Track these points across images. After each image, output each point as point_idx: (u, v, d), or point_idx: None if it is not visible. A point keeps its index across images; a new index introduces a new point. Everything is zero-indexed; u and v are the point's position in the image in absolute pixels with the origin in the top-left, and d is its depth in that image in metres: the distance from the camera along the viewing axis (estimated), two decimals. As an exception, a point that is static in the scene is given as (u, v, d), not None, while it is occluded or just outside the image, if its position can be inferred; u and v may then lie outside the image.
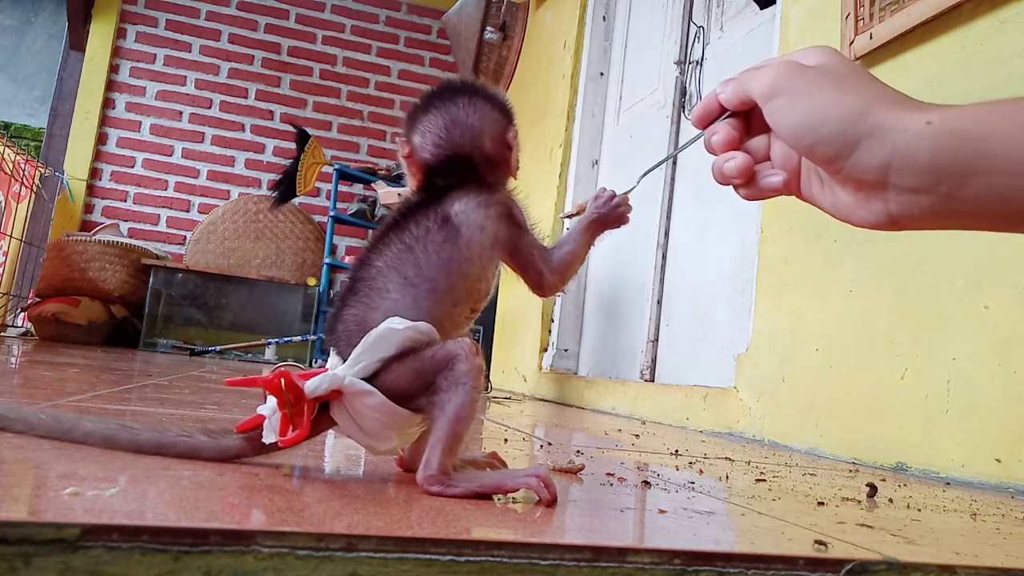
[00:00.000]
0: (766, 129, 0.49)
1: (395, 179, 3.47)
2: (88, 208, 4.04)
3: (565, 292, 0.69)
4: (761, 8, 1.81)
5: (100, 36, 4.12)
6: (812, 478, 0.94)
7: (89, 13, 4.17)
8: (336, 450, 0.75)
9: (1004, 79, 1.08)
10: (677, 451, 1.13)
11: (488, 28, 3.54)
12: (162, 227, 4.15)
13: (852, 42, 1.35)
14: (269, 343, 3.45)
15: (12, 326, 3.70)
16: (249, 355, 3.48)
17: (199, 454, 0.57)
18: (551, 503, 0.54)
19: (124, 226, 4.01)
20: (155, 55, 4.21)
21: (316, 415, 0.55)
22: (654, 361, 2.16)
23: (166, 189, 4.17)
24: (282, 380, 0.54)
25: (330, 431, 0.59)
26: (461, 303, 0.61)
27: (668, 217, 2.18)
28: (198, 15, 4.29)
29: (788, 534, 0.52)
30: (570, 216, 0.70)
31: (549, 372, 2.67)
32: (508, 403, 2.07)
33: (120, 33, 4.17)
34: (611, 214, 0.67)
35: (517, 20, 3.57)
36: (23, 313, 3.71)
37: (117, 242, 3.43)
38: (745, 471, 0.95)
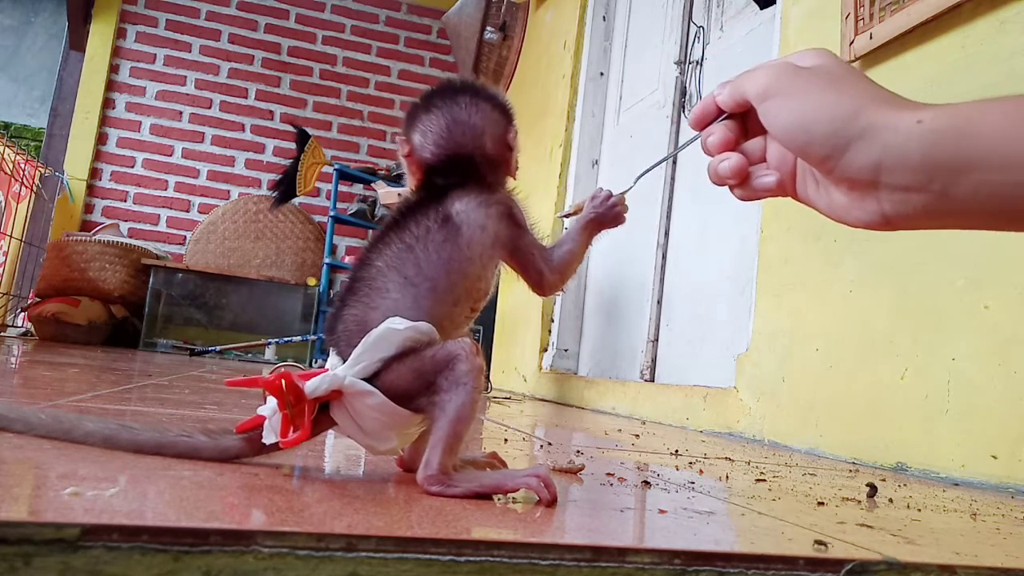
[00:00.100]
0: (762, 131, 0.49)
1: (395, 179, 3.47)
2: (88, 208, 4.04)
3: (564, 291, 0.69)
4: (761, 8, 1.81)
5: (100, 36, 4.12)
6: (812, 478, 0.94)
7: (89, 13, 4.17)
8: (336, 450, 0.75)
9: (1004, 78, 1.08)
10: (677, 451, 1.13)
11: (488, 28, 3.54)
12: (162, 227, 4.15)
13: (852, 42, 1.35)
14: (269, 343, 3.45)
15: (12, 326, 3.70)
16: (249, 355, 3.48)
17: (199, 454, 0.57)
18: (551, 503, 0.54)
19: (124, 226, 4.02)
20: (155, 55, 4.21)
21: (316, 415, 0.55)
22: (654, 361, 2.16)
23: (166, 189, 4.17)
24: (283, 381, 0.54)
25: (330, 431, 0.59)
26: (461, 302, 0.61)
27: (668, 217, 2.18)
28: (198, 15, 4.29)
29: (788, 534, 0.52)
30: (568, 215, 0.70)
31: (549, 372, 2.67)
32: (508, 403, 2.07)
33: (120, 33, 4.17)
34: (608, 214, 0.68)
35: (517, 20, 3.57)
36: (23, 313, 3.71)
37: (117, 242, 3.43)
38: (745, 471, 0.95)
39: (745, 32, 1.97)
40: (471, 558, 0.38)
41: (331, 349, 0.60)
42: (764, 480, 0.87)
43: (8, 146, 3.48)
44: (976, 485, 1.03)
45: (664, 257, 2.18)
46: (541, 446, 1.03)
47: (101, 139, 4.09)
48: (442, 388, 0.55)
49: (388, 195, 3.20)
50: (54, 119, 4.90)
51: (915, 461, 1.14)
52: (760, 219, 1.59)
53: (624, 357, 2.37)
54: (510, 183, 0.68)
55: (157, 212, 4.15)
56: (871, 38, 1.31)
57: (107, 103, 4.11)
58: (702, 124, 0.51)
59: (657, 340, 2.17)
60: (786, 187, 0.50)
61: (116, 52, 4.15)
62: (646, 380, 2.14)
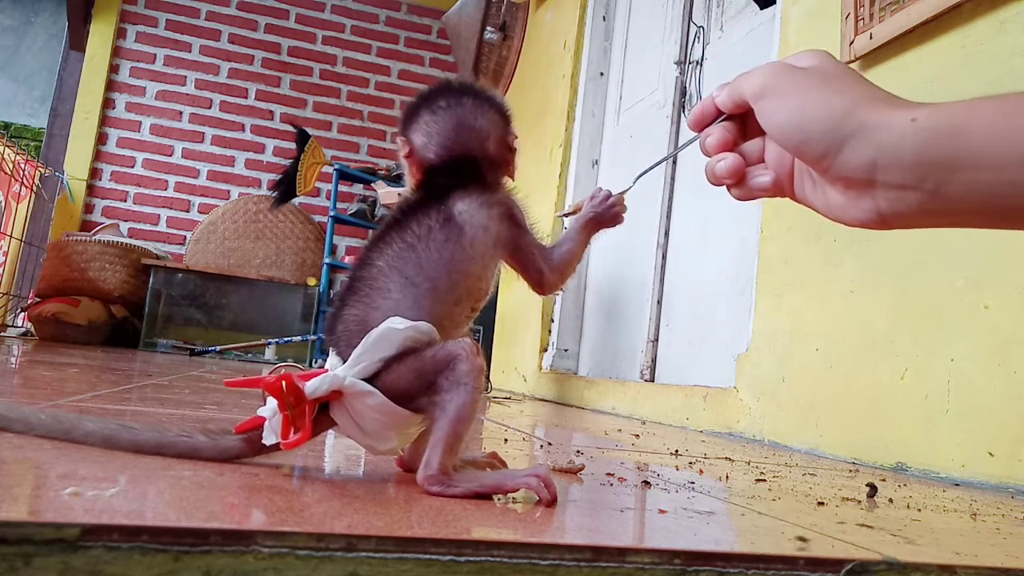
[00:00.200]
0: (761, 133, 0.50)
1: (395, 179, 3.47)
2: (88, 208, 4.04)
3: (564, 290, 0.70)
4: (761, 8, 1.81)
5: (100, 36, 4.12)
6: (812, 478, 0.94)
7: (89, 13, 4.17)
8: (336, 450, 0.75)
9: (1004, 78, 1.08)
10: (677, 451, 1.13)
11: (488, 28, 3.54)
12: (162, 227, 4.15)
13: (852, 42, 1.35)
14: (269, 343, 3.45)
15: (12, 326, 3.70)
16: (249, 355, 3.48)
17: (199, 454, 0.57)
18: (551, 503, 0.54)
19: (124, 226, 4.02)
20: (155, 55, 4.21)
21: (316, 415, 0.55)
22: (654, 361, 2.16)
23: (166, 189, 4.17)
24: (283, 382, 0.54)
25: (330, 431, 0.59)
26: (462, 302, 0.61)
27: (668, 217, 2.18)
28: (198, 15, 4.29)
29: (788, 534, 0.52)
30: (567, 215, 0.71)
31: (549, 372, 2.67)
32: (508, 403, 2.07)
33: (120, 33, 4.17)
34: (607, 213, 0.69)
35: (517, 20, 3.57)
36: (23, 313, 3.71)
37: (117, 242, 3.43)
38: (745, 471, 0.95)
39: (745, 32, 1.97)
40: (471, 558, 0.38)
41: (331, 349, 0.60)
42: (764, 480, 0.87)
43: (8, 146, 3.48)
44: (976, 485, 1.03)
45: (664, 257, 2.18)
46: (541, 446, 1.03)
47: (101, 139, 4.09)
48: (442, 388, 0.55)
49: (388, 195, 3.20)
50: (54, 119, 4.90)
51: (915, 461, 1.14)
52: (760, 219, 1.59)
53: (624, 357, 2.37)
54: (510, 183, 0.68)
55: (157, 212, 4.15)
56: (871, 38, 1.31)
57: (107, 103, 4.11)
58: (701, 125, 0.52)
59: (657, 340, 2.17)
60: (784, 187, 0.51)
61: (116, 52, 4.15)
62: (646, 380, 2.14)
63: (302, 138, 3.16)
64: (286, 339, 3.44)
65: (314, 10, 4.45)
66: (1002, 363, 1.03)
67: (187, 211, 4.19)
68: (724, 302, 1.89)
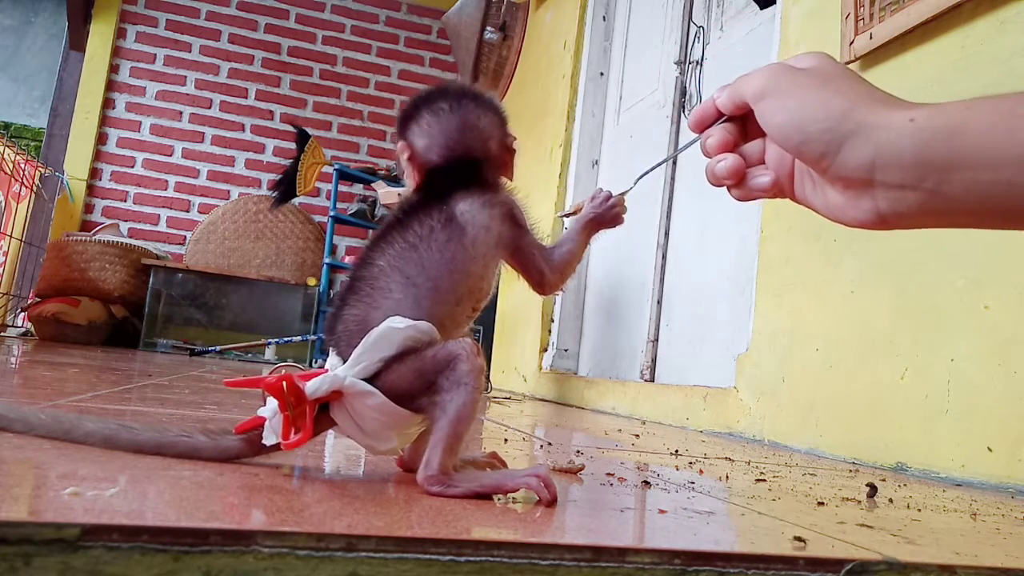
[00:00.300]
0: (761, 134, 0.50)
1: (395, 179, 3.47)
2: (88, 208, 4.04)
3: (564, 290, 0.70)
4: (761, 8, 1.81)
5: (100, 36, 4.12)
6: (812, 478, 0.94)
7: (89, 13, 4.17)
8: (336, 450, 0.75)
9: (1004, 79, 1.08)
10: (677, 451, 1.13)
11: (488, 28, 3.54)
12: (162, 227, 4.15)
13: (852, 42, 1.35)
14: (269, 343, 3.45)
15: (12, 326, 3.70)
16: (249, 355, 3.48)
17: (199, 454, 0.57)
18: (551, 503, 0.54)
19: (124, 226, 4.02)
20: (155, 55, 4.21)
21: (316, 415, 0.55)
22: (654, 361, 2.16)
23: (166, 189, 4.17)
24: (284, 383, 0.54)
25: (330, 431, 0.59)
26: (463, 302, 0.61)
27: (668, 217, 2.18)
28: (198, 15, 4.29)
29: (788, 534, 0.52)
30: (567, 215, 0.71)
31: (549, 372, 2.67)
32: (508, 403, 2.07)
33: (120, 33, 4.17)
34: (607, 214, 0.69)
35: (517, 20, 3.57)
36: (23, 313, 3.71)
37: (117, 242, 3.43)
38: (745, 471, 0.95)
39: (745, 32, 1.97)
40: (471, 558, 0.38)
41: (331, 349, 0.60)
42: (764, 480, 0.87)
43: (8, 146, 3.48)
44: (976, 485, 1.03)
45: (664, 257, 2.18)
46: (541, 446, 1.03)
47: (101, 139, 4.09)
48: (443, 388, 0.55)
49: (388, 195, 3.20)
50: (54, 119, 4.90)
51: (915, 461, 1.14)
52: (760, 219, 1.59)
53: (624, 357, 2.37)
54: (509, 184, 0.68)
55: (157, 212, 4.15)
56: (871, 38, 1.31)
57: (107, 103, 4.11)
58: (701, 126, 0.52)
59: (657, 340, 2.17)
60: (784, 188, 0.51)
61: (116, 52, 4.15)
62: (646, 380, 2.14)
63: (302, 138, 3.16)
64: (286, 339, 3.44)
65: (314, 10, 4.45)
66: (1002, 363, 1.03)
67: (187, 211, 4.19)
68: (724, 302, 1.89)
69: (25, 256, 3.80)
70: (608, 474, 0.76)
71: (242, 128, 4.29)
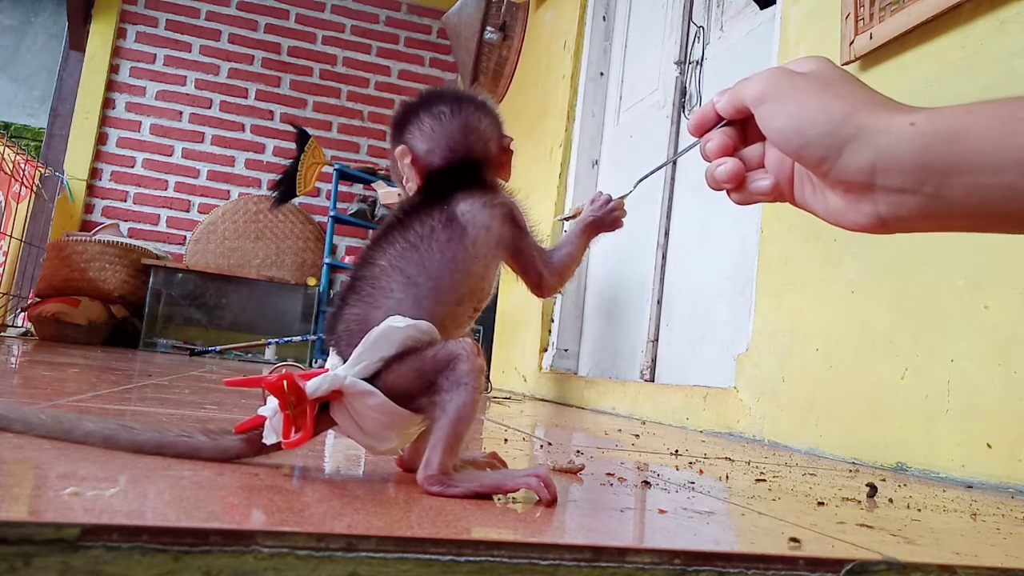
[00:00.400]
0: (761, 138, 0.50)
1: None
2: (88, 208, 4.04)
3: (563, 293, 0.71)
4: (761, 8, 1.81)
5: (100, 36, 4.12)
6: (812, 478, 0.94)
7: (89, 13, 4.17)
8: (336, 450, 0.75)
9: (1004, 79, 1.08)
10: (677, 451, 1.13)
11: (488, 28, 3.53)
12: (162, 227, 4.15)
13: (852, 42, 1.35)
14: (269, 343, 3.45)
15: (12, 326, 3.70)
16: (249, 355, 3.48)
17: (199, 454, 0.57)
18: (551, 503, 0.54)
19: (124, 226, 4.02)
20: (155, 55, 4.21)
21: (316, 415, 0.55)
22: (654, 361, 2.16)
23: (166, 189, 4.17)
24: (284, 382, 0.54)
25: (330, 431, 0.59)
26: (464, 302, 0.62)
27: (668, 217, 2.18)
28: (198, 15, 4.29)
29: (788, 534, 0.52)
30: (567, 218, 0.71)
31: (549, 372, 2.67)
32: (508, 403, 2.07)
33: (120, 33, 4.17)
34: (606, 217, 0.69)
35: (517, 20, 3.57)
36: (23, 313, 3.71)
37: (117, 242, 3.43)
38: (745, 471, 0.95)
39: (745, 32, 1.97)
40: (471, 558, 0.38)
41: (331, 348, 0.60)
42: (764, 480, 0.87)
43: (8, 146, 3.48)
44: (976, 485, 1.03)
45: (664, 257, 2.18)
46: (541, 446, 1.03)
47: (101, 139, 4.09)
48: (443, 388, 0.55)
49: (388, 195, 3.20)
50: (54, 119, 4.90)
51: (915, 461, 1.14)
52: (760, 219, 1.59)
53: (624, 357, 2.37)
54: (508, 185, 0.69)
55: (157, 212, 4.15)
56: (871, 38, 1.31)
57: (107, 103, 4.11)
58: (701, 130, 0.52)
59: (657, 340, 2.17)
60: (783, 192, 0.51)
61: (116, 52, 4.15)
62: (646, 380, 2.14)
63: (302, 138, 3.16)
64: (286, 339, 3.44)
65: (314, 10, 4.45)
66: (1002, 363, 1.03)
67: (187, 211, 4.19)
68: (724, 302, 1.89)
69: (25, 256, 3.80)
70: (608, 474, 0.76)
71: (242, 128, 4.29)
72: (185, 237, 4.13)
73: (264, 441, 0.56)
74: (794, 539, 0.49)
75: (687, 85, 2.20)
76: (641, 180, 0.65)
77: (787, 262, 1.49)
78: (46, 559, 0.33)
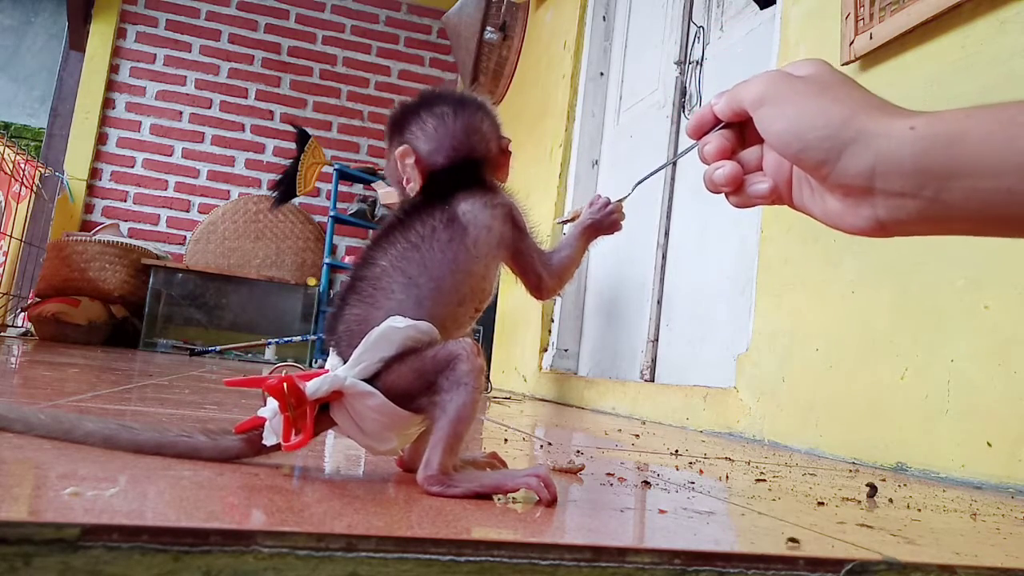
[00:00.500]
0: (759, 141, 0.50)
1: (395, 179, 3.46)
2: (88, 208, 4.04)
3: (562, 295, 0.71)
4: (761, 8, 1.81)
5: (100, 36, 4.12)
6: (812, 478, 0.94)
7: (89, 13, 4.17)
8: (336, 450, 0.75)
9: (1004, 79, 1.08)
10: (677, 451, 1.13)
11: (488, 28, 3.53)
12: (162, 227, 4.15)
13: (852, 42, 1.35)
14: (269, 343, 3.45)
15: (12, 326, 3.70)
16: (249, 355, 3.48)
17: (199, 454, 0.57)
18: (551, 503, 0.54)
19: (124, 226, 4.02)
20: (155, 55, 4.21)
21: (316, 415, 0.55)
22: (654, 361, 2.16)
23: (166, 189, 4.17)
24: (284, 384, 0.54)
25: (330, 431, 0.59)
26: (466, 302, 0.62)
27: (668, 217, 2.18)
28: (198, 15, 4.29)
29: (788, 534, 0.52)
30: (566, 221, 0.71)
31: (549, 372, 2.67)
32: (508, 403, 2.07)
33: (120, 33, 4.17)
34: (605, 220, 0.70)
35: (517, 20, 3.57)
36: (23, 313, 3.71)
37: (117, 242, 3.43)
38: (745, 471, 0.95)
39: (745, 32, 1.97)
40: (471, 558, 0.38)
41: (331, 349, 0.60)
42: (764, 480, 0.87)
43: (8, 146, 3.48)
44: (976, 485, 1.03)
45: (664, 257, 2.18)
46: (541, 446, 1.03)
47: (101, 139, 4.09)
48: (443, 388, 0.55)
49: (388, 195, 3.20)
50: (54, 119, 4.90)
51: (915, 461, 1.14)
52: (760, 220, 1.59)
53: (624, 357, 2.37)
54: (507, 185, 0.69)
55: (157, 212, 4.15)
56: (871, 38, 1.31)
57: (107, 103, 4.11)
58: (699, 133, 0.52)
59: (657, 340, 2.17)
60: (782, 195, 0.51)
61: (116, 52, 4.15)
62: (646, 380, 2.14)
63: (302, 138, 3.16)
64: (286, 339, 3.44)
65: (314, 10, 4.45)
66: (1002, 363, 1.03)
67: (187, 211, 4.19)
68: (724, 302, 1.89)
69: (25, 256, 3.80)
70: (608, 474, 0.76)
71: (242, 128, 4.29)
72: (185, 237, 4.13)
73: (264, 442, 0.56)
74: (793, 539, 0.49)
75: (687, 85, 2.20)
76: (639, 183, 0.65)
77: (787, 262, 1.49)
78: (46, 559, 0.33)
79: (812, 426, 1.35)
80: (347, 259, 3.77)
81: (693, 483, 0.77)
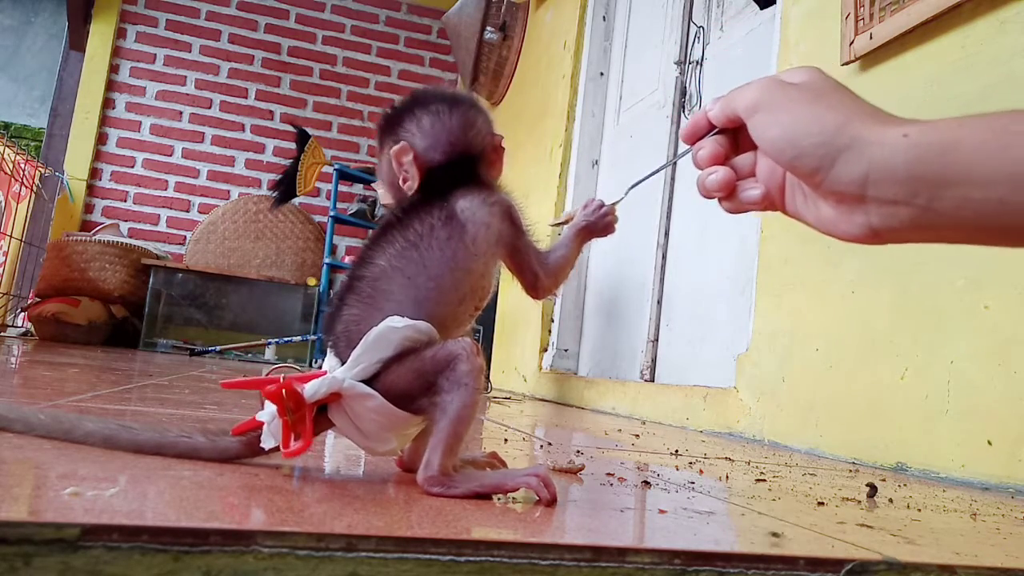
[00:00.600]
0: (753, 147, 0.50)
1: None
2: (88, 208, 4.04)
3: (555, 296, 0.71)
4: (761, 8, 1.81)
5: (100, 36, 4.12)
6: (812, 478, 0.94)
7: (89, 13, 4.17)
8: (336, 450, 0.75)
9: (1004, 79, 1.08)
10: (677, 451, 1.13)
11: (488, 28, 3.53)
12: (162, 227, 4.15)
13: (852, 42, 1.35)
14: (269, 343, 3.45)
15: (12, 326, 3.70)
16: (249, 355, 3.48)
17: (199, 455, 0.57)
18: (551, 503, 0.54)
19: (124, 226, 4.02)
20: (155, 55, 4.21)
21: (314, 416, 0.55)
22: (654, 361, 2.16)
23: (166, 189, 4.17)
24: (283, 390, 0.53)
25: (329, 431, 0.59)
26: (466, 301, 0.61)
27: (668, 217, 2.18)
28: (198, 15, 4.29)
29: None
30: (559, 224, 0.71)
31: (549, 372, 2.67)
32: (508, 403, 2.07)
33: (120, 33, 4.17)
34: (599, 223, 0.70)
35: (517, 20, 3.57)
36: (23, 313, 3.71)
37: (117, 242, 3.43)
38: (745, 471, 0.95)
39: (745, 32, 1.97)
40: (471, 558, 0.38)
41: (329, 350, 0.60)
42: (764, 480, 0.87)
43: (8, 146, 3.48)
44: (976, 485, 1.03)
45: (664, 257, 2.18)
46: (541, 446, 1.03)
47: (101, 139, 4.09)
48: (443, 389, 0.55)
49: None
50: (54, 119, 4.90)
51: (915, 461, 1.14)
52: (760, 220, 1.59)
53: (624, 357, 2.37)
54: (503, 183, 0.69)
55: (157, 212, 4.15)
56: (871, 38, 1.31)
57: (107, 103, 4.11)
58: (694, 138, 0.53)
59: (657, 340, 2.17)
60: (774, 201, 0.51)
61: (116, 52, 4.15)
62: (646, 380, 2.14)
63: (302, 138, 3.16)
64: (286, 339, 3.44)
65: (314, 10, 4.45)
66: (1002, 363, 1.03)
67: (187, 211, 4.19)
68: (724, 302, 1.89)
69: (25, 256, 3.80)
70: (608, 474, 0.76)
71: (242, 128, 4.29)
72: (185, 237, 4.13)
73: (262, 445, 0.56)
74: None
75: (687, 85, 2.20)
76: (632, 187, 0.66)
77: (787, 262, 1.49)
78: (46, 559, 0.33)
79: (812, 426, 1.36)
80: (347, 259, 3.77)
81: (693, 483, 0.77)
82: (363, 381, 0.55)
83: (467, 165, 0.65)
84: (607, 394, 2.16)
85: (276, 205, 3.46)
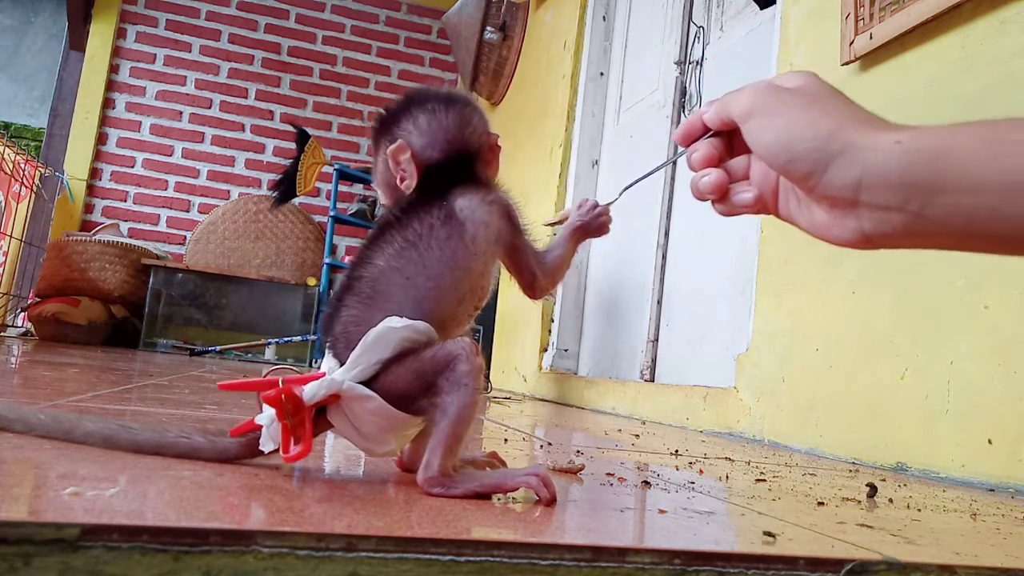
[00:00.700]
0: (747, 150, 0.51)
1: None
2: (88, 208, 4.04)
3: (552, 296, 0.71)
4: (761, 8, 1.81)
5: (100, 36, 4.12)
6: (812, 478, 0.94)
7: (89, 13, 4.17)
8: (336, 450, 0.75)
9: (1004, 79, 1.08)
10: (677, 451, 1.13)
11: (488, 28, 3.53)
12: (162, 227, 4.15)
13: (852, 42, 1.35)
14: (269, 343, 3.45)
15: (12, 326, 3.70)
16: (249, 355, 3.48)
17: (198, 455, 0.57)
18: (550, 502, 0.54)
19: (124, 226, 4.02)
20: (155, 55, 4.21)
21: (313, 417, 0.55)
22: (654, 361, 2.16)
23: (166, 189, 4.17)
24: (282, 395, 0.53)
25: (329, 431, 0.59)
26: (465, 300, 0.61)
27: (668, 217, 2.18)
28: (198, 15, 4.29)
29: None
30: (554, 223, 0.72)
31: (549, 372, 2.67)
32: (508, 403, 2.07)
33: (120, 33, 4.17)
34: (593, 223, 0.70)
35: (517, 20, 3.57)
36: (23, 313, 3.71)
37: (117, 242, 3.43)
38: (745, 471, 0.95)
39: (745, 32, 1.97)
40: (471, 558, 0.38)
41: (328, 350, 0.60)
42: (764, 480, 0.87)
43: (8, 146, 3.48)
44: (976, 485, 1.03)
45: (664, 257, 2.18)
46: (541, 446, 1.03)
47: (101, 139, 4.09)
48: (442, 389, 0.55)
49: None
50: (54, 119, 4.90)
51: (915, 461, 1.14)
52: (760, 220, 1.59)
53: (624, 357, 2.37)
54: (500, 182, 0.69)
55: (157, 212, 4.15)
56: (871, 38, 1.31)
57: (107, 103, 4.11)
58: (688, 141, 0.53)
59: (657, 340, 2.17)
60: (768, 204, 0.51)
61: (116, 52, 4.15)
62: (646, 380, 2.14)
63: (302, 138, 3.16)
64: (286, 339, 3.44)
65: (314, 10, 4.45)
66: (1002, 363, 1.03)
67: (187, 211, 4.19)
68: (724, 302, 1.89)
69: (25, 256, 3.80)
70: (608, 474, 0.76)
71: (242, 128, 4.29)
72: (185, 237, 4.13)
73: (261, 448, 0.56)
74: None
75: (687, 85, 2.20)
76: (627, 188, 0.66)
77: (787, 262, 1.49)
78: (46, 559, 0.33)
79: (812, 426, 1.36)
80: (347, 259, 3.76)
81: (693, 483, 0.77)
82: (362, 382, 0.55)
83: (464, 164, 0.65)
84: (607, 394, 2.16)
85: (276, 205, 3.46)
